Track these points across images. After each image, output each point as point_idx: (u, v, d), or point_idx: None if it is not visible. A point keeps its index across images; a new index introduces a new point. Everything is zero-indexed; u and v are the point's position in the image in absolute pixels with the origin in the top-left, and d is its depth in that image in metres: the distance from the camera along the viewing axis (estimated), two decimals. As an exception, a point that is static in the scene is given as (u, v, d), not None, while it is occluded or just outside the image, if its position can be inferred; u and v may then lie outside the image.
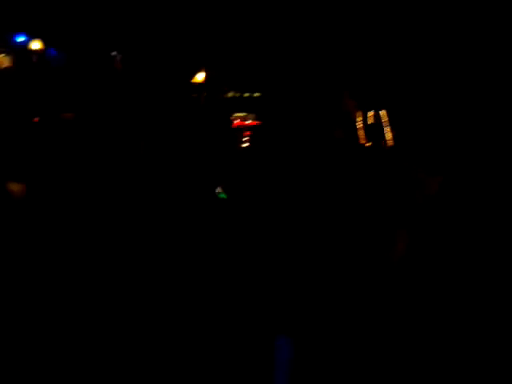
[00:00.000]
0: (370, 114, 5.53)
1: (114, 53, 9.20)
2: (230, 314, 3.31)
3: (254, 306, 3.17)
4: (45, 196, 5.73)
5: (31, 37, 8.63)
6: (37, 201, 5.63)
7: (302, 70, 8.28)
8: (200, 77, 9.23)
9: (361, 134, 5.48)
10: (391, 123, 5.51)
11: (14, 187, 5.88)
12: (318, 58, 8.10)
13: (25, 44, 8.60)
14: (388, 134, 5.50)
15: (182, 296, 3.85)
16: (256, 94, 10.14)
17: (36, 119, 6.99)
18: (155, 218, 5.43)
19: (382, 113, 5.68)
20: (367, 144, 5.49)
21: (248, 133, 8.83)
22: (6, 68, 8.41)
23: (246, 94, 9.96)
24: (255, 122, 9.45)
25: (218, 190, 5.30)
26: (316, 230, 4.26)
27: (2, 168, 6.16)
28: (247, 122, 9.49)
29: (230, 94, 9.96)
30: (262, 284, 3.31)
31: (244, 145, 8.69)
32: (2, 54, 8.51)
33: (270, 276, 3.29)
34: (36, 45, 8.68)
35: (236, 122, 9.19)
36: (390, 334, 3.07)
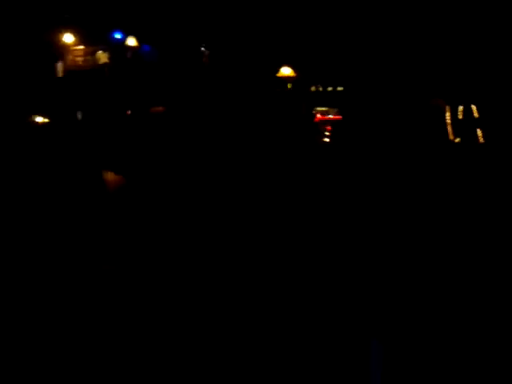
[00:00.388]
0: (460, 109, 5.29)
1: (202, 48, 9.38)
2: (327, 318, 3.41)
3: (350, 312, 3.31)
4: (138, 186, 5.94)
5: (127, 34, 8.97)
6: (132, 190, 5.84)
7: (386, 65, 8.05)
8: (285, 71, 9.19)
9: (449, 129, 5.25)
10: (482, 119, 5.22)
11: (111, 177, 6.13)
12: (402, 54, 7.84)
13: (121, 41, 8.95)
14: (478, 130, 5.23)
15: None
16: (339, 89, 9.94)
17: (128, 112, 7.26)
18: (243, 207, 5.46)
19: (473, 108, 5.39)
20: (456, 140, 5.24)
21: (329, 127, 8.69)
22: (103, 63, 8.81)
23: (330, 89, 9.79)
24: (337, 117, 9.28)
25: None
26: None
27: (99, 158, 6.45)
28: (329, 116, 9.33)
29: (313, 89, 9.83)
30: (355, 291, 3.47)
31: (325, 139, 8.58)
32: (100, 51, 8.91)
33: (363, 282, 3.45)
34: (131, 41, 9.01)
35: (318, 116, 9.07)
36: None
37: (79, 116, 7.72)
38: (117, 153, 6.79)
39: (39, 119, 7.56)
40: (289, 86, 9.41)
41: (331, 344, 3.19)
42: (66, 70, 8.49)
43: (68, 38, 8.69)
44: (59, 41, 8.50)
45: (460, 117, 5.42)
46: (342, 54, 8.88)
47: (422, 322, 3.19)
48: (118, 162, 6.51)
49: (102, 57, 8.88)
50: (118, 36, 8.96)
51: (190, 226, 5.19)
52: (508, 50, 6.51)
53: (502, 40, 6.61)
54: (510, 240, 4.28)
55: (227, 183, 6.27)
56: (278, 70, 9.17)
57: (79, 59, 8.74)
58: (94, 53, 8.88)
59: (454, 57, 7.11)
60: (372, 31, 8.32)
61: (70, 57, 8.63)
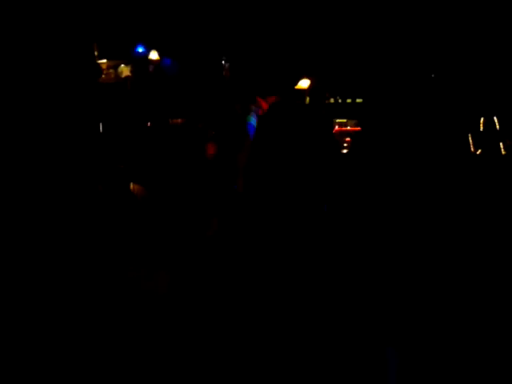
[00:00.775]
0: (482, 120, 5.16)
1: (223, 61, 9.38)
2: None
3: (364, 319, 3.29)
4: (160, 195, 5.92)
5: (149, 48, 9.02)
6: (154, 200, 5.83)
7: (406, 76, 7.93)
8: (304, 83, 9.13)
9: (471, 141, 5.12)
10: (504, 130, 5.11)
11: (134, 188, 6.13)
12: (422, 66, 7.74)
13: (143, 54, 9.00)
14: (500, 142, 5.10)
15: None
16: (358, 100, 9.86)
17: (148, 124, 7.27)
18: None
19: (495, 119, 5.26)
20: (478, 152, 5.12)
21: (348, 139, 8.59)
22: (125, 77, 8.86)
23: (349, 100, 9.71)
24: (355, 128, 9.19)
25: None
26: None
27: (119, 168, 6.45)
28: (347, 128, 9.24)
29: (332, 100, 9.76)
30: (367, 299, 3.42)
31: (344, 151, 8.47)
32: (123, 65, 8.97)
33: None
34: (153, 55, 9.05)
35: (336, 127, 8.99)
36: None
37: (101, 128, 7.75)
38: (138, 164, 6.78)
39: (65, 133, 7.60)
40: (307, 99, 9.36)
41: (346, 353, 3.17)
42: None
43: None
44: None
45: (481, 129, 5.29)
46: (362, 65, 8.80)
47: (435, 328, 3.19)
48: (140, 174, 6.51)
49: (125, 70, 8.93)
50: (140, 50, 9.02)
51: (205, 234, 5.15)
52: None
53: None
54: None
55: (246, 195, 6.21)
56: (297, 83, 9.12)
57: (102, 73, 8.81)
58: (116, 66, 8.94)
59: (474, 68, 6.98)
60: (392, 43, 8.23)
61: (93, 70, 8.69)
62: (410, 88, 7.97)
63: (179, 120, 7.30)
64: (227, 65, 9.24)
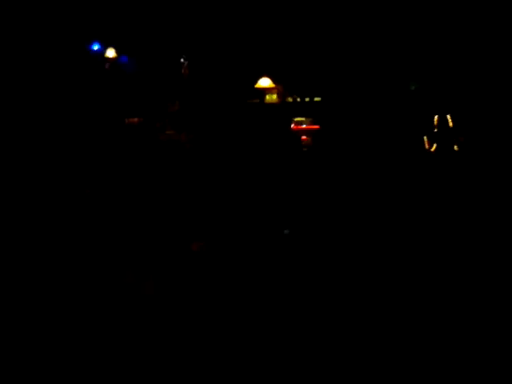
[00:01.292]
0: (436, 118, 5.16)
1: (181, 59, 9.16)
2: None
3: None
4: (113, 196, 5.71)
5: (105, 45, 8.72)
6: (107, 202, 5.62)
7: (363, 74, 7.92)
8: (263, 82, 9.00)
9: (425, 139, 5.14)
10: (458, 127, 5.13)
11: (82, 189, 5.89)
12: (377, 64, 7.74)
13: (99, 52, 8.69)
14: (454, 140, 5.12)
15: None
16: (316, 99, 9.78)
17: (104, 122, 7.01)
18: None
19: (448, 117, 5.28)
20: (432, 149, 5.13)
21: (304, 137, 8.52)
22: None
23: (307, 99, 9.63)
24: (311, 126, 9.14)
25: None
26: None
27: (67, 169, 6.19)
28: (303, 126, 9.18)
29: (290, 99, 9.66)
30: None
31: (300, 148, 8.40)
32: (78, 62, 8.64)
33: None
34: (110, 53, 8.75)
35: (292, 125, 8.91)
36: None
37: (56, 125, 7.41)
38: (95, 163, 6.52)
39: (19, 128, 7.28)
40: (274, 97, 9.24)
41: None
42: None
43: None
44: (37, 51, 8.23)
45: (436, 126, 5.31)
46: (320, 64, 8.74)
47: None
48: (95, 173, 6.26)
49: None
50: (95, 47, 8.70)
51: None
52: (483, 62, 6.43)
53: (478, 51, 6.54)
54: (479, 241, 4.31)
55: (206, 195, 6.07)
56: (256, 82, 8.98)
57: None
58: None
59: (428, 66, 7.00)
60: (350, 43, 8.20)
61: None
62: (368, 87, 7.99)
63: (136, 119, 7.06)
64: (186, 63, 9.02)
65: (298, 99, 9.54)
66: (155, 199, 5.60)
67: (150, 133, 6.94)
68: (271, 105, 8.92)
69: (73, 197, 5.56)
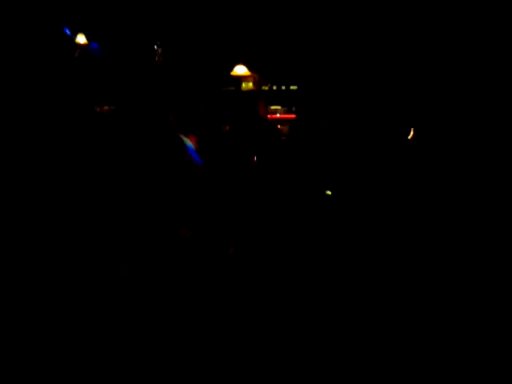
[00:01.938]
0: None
1: (155, 46, 8.83)
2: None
3: None
4: (82, 189, 5.46)
5: (74, 31, 8.33)
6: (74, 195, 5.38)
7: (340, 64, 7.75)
8: (239, 70, 8.75)
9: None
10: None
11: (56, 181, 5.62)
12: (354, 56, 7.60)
13: (68, 38, 8.30)
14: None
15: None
16: (292, 87, 9.59)
17: (74, 111, 6.70)
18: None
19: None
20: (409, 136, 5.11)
21: (278, 126, 8.35)
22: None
23: (283, 87, 9.44)
24: (285, 115, 8.97)
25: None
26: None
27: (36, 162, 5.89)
28: (277, 116, 9.01)
29: (266, 87, 9.45)
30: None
31: (275, 138, 8.21)
32: (47, 48, 8.24)
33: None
34: (80, 39, 8.37)
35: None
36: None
37: (19, 116, 7.06)
38: (58, 155, 6.21)
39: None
40: (250, 85, 9.02)
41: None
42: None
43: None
44: None
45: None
46: (296, 52, 8.53)
47: None
48: (59, 166, 5.97)
49: (49, 54, 8.20)
50: (65, 33, 8.31)
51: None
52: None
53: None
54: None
55: (178, 187, 5.84)
56: (231, 69, 8.73)
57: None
58: (40, 50, 8.18)
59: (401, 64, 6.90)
60: (327, 33, 8.01)
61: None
62: (346, 77, 7.84)
63: (106, 107, 6.76)
64: (160, 50, 8.70)
65: (274, 87, 9.34)
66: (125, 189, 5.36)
67: (121, 121, 6.65)
68: (247, 92, 8.70)
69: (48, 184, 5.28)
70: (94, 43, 8.33)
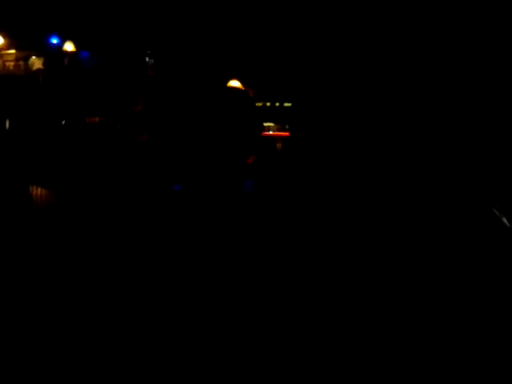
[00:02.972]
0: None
1: (147, 59, 8.58)
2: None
3: None
4: (71, 201, 5.23)
5: (64, 39, 8.03)
6: (63, 206, 5.16)
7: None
8: (233, 85, 8.54)
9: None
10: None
11: (40, 193, 5.39)
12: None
13: (57, 46, 7.99)
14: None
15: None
16: (286, 104, 9.41)
17: (63, 122, 6.40)
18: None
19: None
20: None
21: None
22: (37, 69, 7.82)
23: (277, 104, 9.24)
24: (278, 133, 8.81)
25: None
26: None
27: (27, 172, 5.58)
28: (270, 133, 8.84)
29: (260, 104, 9.26)
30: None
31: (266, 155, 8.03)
32: (34, 56, 7.92)
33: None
34: (68, 46, 8.06)
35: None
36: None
37: (7, 125, 6.73)
38: (48, 166, 5.95)
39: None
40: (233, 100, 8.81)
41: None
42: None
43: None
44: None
45: None
46: (290, 69, 8.37)
47: None
48: (48, 176, 5.73)
49: (36, 62, 7.90)
50: (54, 41, 8.01)
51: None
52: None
53: None
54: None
55: (168, 197, 5.67)
56: (226, 83, 8.51)
57: (10, 64, 7.75)
58: (27, 58, 7.89)
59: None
60: (321, 48, 7.89)
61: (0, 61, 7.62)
62: (337, 94, 7.72)
63: (97, 119, 6.46)
64: (151, 61, 8.44)
65: (268, 104, 9.14)
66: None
67: (111, 133, 6.35)
68: (243, 108, 8.49)
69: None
70: (85, 52, 8.03)
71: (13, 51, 7.88)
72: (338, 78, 7.47)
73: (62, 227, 4.81)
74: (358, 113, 6.95)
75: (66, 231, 4.74)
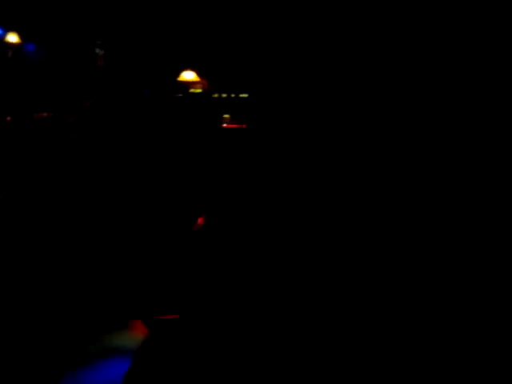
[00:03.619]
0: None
1: (97, 49, 8.27)
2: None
3: None
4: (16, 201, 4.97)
5: (7, 29, 7.63)
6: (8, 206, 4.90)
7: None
8: (187, 76, 8.35)
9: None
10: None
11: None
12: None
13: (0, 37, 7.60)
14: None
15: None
16: (242, 95, 9.29)
17: (8, 118, 6.08)
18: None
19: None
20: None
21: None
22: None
23: (233, 95, 9.11)
24: (231, 125, 8.69)
25: None
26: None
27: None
28: (224, 125, 8.71)
29: (216, 95, 9.11)
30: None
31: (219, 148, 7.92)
32: (-25, 48, 7.50)
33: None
34: (12, 38, 7.66)
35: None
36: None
37: None
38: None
39: None
40: (198, 91, 8.65)
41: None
42: None
43: None
44: None
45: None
46: (247, 59, 8.23)
47: None
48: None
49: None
50: (-4, 31, 7.60)
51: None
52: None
53: None
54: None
55: (124, 196, 5.45)
56: (178, 75, 8.31)
57: None
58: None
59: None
60: (277, 38, 7.77)
61: None
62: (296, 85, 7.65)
63: (45, 114, 6.18)
64: (102, 52, 8.14)
65: (224, 95, 9.00)
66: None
67: (60, 129, 6.09)
68: (199, 99, 8.32)
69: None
70: (30, 44, 7.65)
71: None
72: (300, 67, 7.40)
73: (4, 227, 4.59)
74: (319, 103, 6.91)
75: (7, 231, 4.53)
